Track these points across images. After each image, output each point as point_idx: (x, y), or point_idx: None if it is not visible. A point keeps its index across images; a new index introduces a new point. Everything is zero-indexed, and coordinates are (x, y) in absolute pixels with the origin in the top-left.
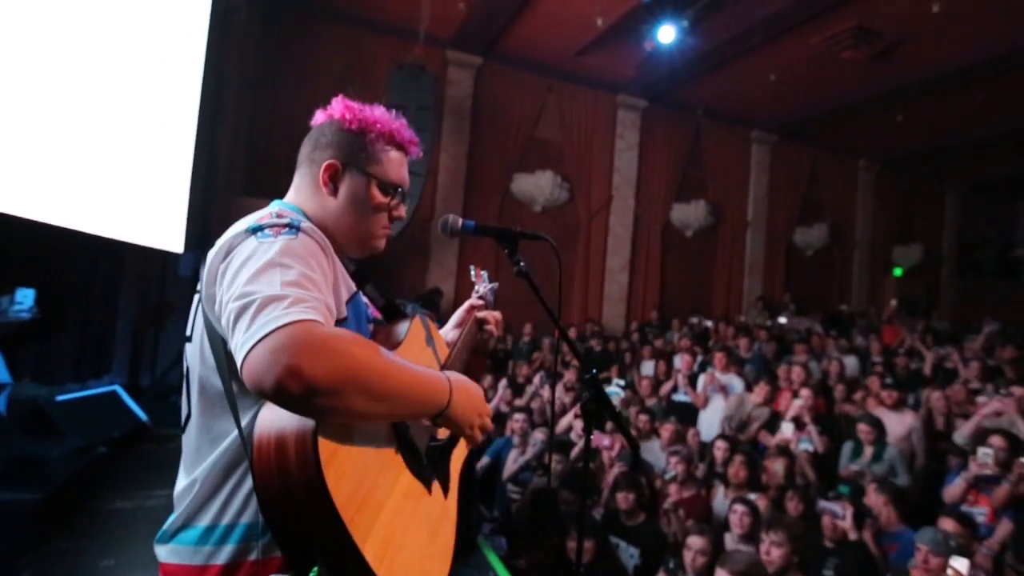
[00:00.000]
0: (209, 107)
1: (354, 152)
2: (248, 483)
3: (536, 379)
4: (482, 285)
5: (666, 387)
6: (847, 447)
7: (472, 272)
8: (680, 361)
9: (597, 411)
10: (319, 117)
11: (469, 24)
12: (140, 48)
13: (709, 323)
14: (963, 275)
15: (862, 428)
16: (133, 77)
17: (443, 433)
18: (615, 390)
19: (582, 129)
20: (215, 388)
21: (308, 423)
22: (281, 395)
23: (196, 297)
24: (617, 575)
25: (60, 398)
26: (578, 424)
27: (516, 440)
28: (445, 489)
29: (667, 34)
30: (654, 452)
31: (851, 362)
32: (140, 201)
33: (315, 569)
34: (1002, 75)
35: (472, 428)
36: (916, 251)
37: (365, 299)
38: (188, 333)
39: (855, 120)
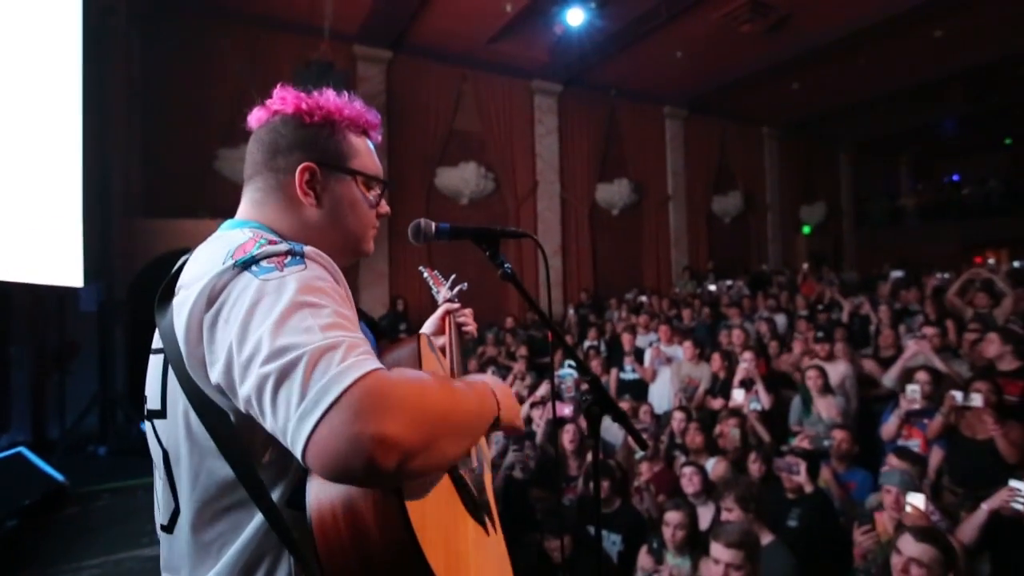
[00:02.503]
0: (93, 121)
1: (328, 149)
2: (281, 571)
3: (487, 373)
4: (444, 289)
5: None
6: (796, 401)
7: (425, 274)
8: (625, 340)
9: (601, 414)
10: (259, 115)
11: (375, 17)
12: (6, 61)
13: (644, 297)
14: (860, 227)
15: (810, 375)
16: (1, 95)
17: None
18: (568, 372)
19: (501, 117)
20: (216, 474)
21: None
22: (373, 473)
23: (158, 360)
24: (600, 565)
25: None
26: (535, 414)
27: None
28: (493, 522)
29: (576, 16)
30: (611, 431)
31: (781, 320)
32: (24, 234)
33: None
34: (880, 40)
35: (515, 426)
36: (820, 209)
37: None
38: (157, 407)
39: (756, 90)
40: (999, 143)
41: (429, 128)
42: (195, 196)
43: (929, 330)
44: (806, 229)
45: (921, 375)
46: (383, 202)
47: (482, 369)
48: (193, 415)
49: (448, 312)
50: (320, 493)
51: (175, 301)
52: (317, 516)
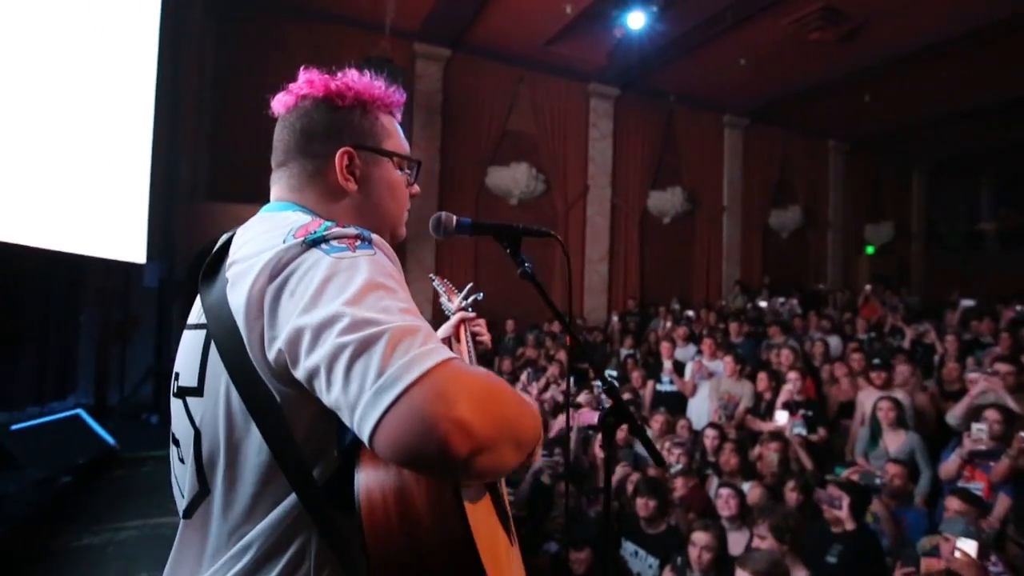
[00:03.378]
0: (165, 110)
1: (363, 131)
2: (307, 562)
3: (523, 376)
4: (457, 299)
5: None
6: (863, 432)
7: (435, 283)
8: (663, 350)
9: (617, 424)
10: (284, 100)
11: (436, 15)
12: (89, 52)
13: (691, 312)
14: (930, 251)
15: (883, 406)
16: (83, 83)
17: None
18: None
19: (555, 119)
20: (255, 458)
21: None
22: (445, 457)
23: (198, 336)
24: None
25: (16, 427)
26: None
27: None
28: (510, 527)
29: (637, 20)
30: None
31: (835, 342)
32: (97, 212)
33: None
34: (962, 54)
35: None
36: (887, 229)
37: None
38: (193, 384)
39: (824, 101)
40: None
41: (483, 127)
42: (257, 183)
43: (1003, 367)
44: (870, 249)
45: (991, 413)
46: (415, 184)
47: (518, 371)
48: (235, 394)
49: (463, 321)
50: (371, 480)
51: (230, 275)
52: (366, 502)
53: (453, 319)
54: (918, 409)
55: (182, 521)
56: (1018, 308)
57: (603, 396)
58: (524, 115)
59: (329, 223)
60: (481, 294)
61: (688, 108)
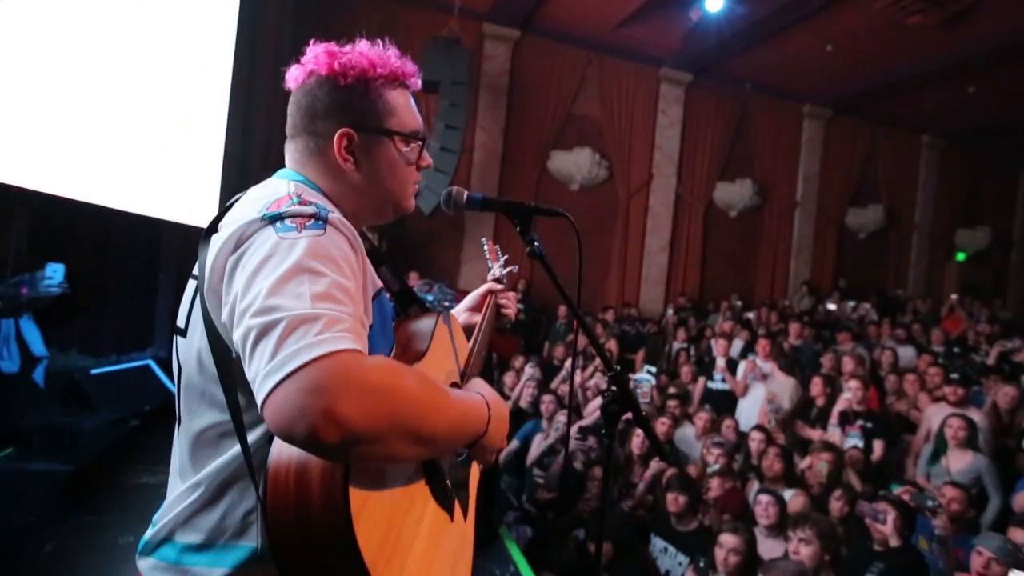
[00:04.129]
0: (242, 86)
1: (363, 111)
2: (246, 503)
3: (567, 362)
4: (497, 266)
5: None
6: (926, 449)
7: (485, 247)
8: (717, 346)
9: (620, 412)
10: (295, 75)
11: None
12: (173, 27)
13: (751, 314)
14: None
15: (952, 423)
16: (166, 57)
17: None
18: (646, 377)
19: (623, 105)
20: (215, 398)
21: None
22: (314, 444)
23: (193, 284)
24: None
25: (95, 371)
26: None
27: (544, 424)
28: (465, 509)
29: (715, 2)
30: (687, 440)
31: (907, 353)
32: (176, 180)
33: None
34: None
35: (494, 454)
36: (983, 235)
37: (386, 292)
38: (182, 325)
39: (920, 93)
40: None
41: (548, 110)
42: None
43: None
44: (961, 256)
45: None
46: (424, 154)
47: (568, 357)
48: (205, 342)
49: (491, 291)
50: (283, 447)
51: (214, 238)
52: (273, 468)
53: (481, 288)
54: (995, 431)
55: (176, 436)
56: None
57: (644, 394)
58: (591, 99)
59: (296, 200)
60: (516, 267)
61: (765, 97)
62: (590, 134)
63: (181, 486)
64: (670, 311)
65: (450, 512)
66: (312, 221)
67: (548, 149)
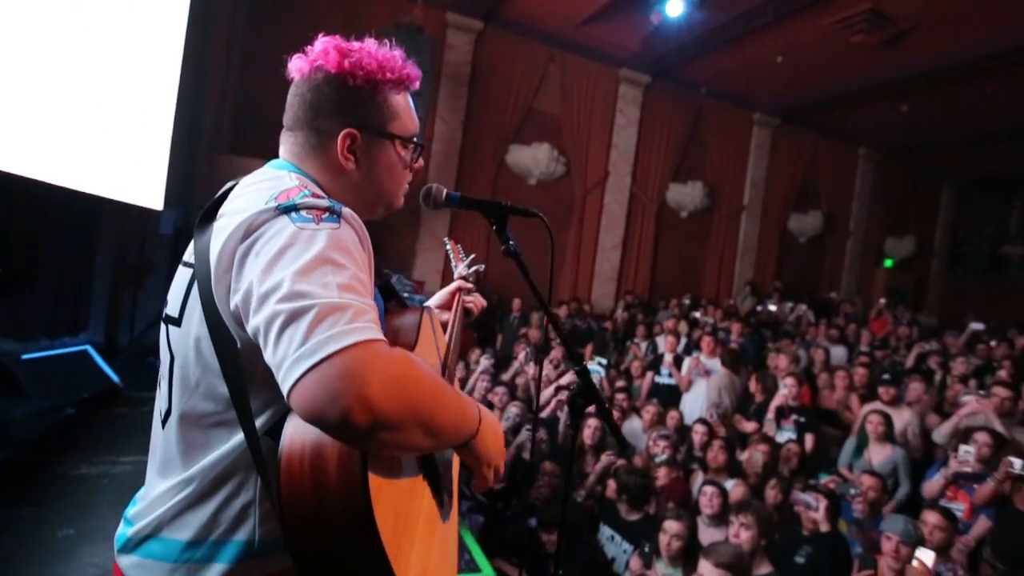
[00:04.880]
0: (193, 60)
1: (368, 113)
2: (244, 496)
3: (521, 355)
4: (463, 266)
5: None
6: (850, 443)
7: (448, 247)
8: (664, 343)
9: (584, 404)
10: (300, 66)
11: None
12: None
13: (698, 314)
14: (952, 269)
15: (872, 419)
16: (112, 27)
17: None
18: (596, 368)
19: (582, 102)
20: (213, 390)
21: None
22: (345, 428)
23: (186, 273)
24: (597, 565)
25: (26, 356)
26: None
27: (496, 415)
28: (451, 501)
29: (675, 7)
30: (634, 432)
31: (839, 352)
32: (118, 156)
33: None
34: (1009, 69)
35: (489, 466)
36: (908, 243)
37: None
38: (175, 315)
39: (859, 107)
40: None
41: (508, 103)
42: (278, 141)
43: (1000, 390)
44: (888, 262)
45: (981, 436)
46: (418, 160)
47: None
48: (205, 333)
49: (459, 289)
50: (295, 432)
51: (216, 225)
52: (287, 454)
53: (450, 287)
54: (925, 427)
55: (157, 428)
56: None
57: (601, 374)
58: (551, 95)
59: (307, 192)
60: (482, 266)
61: (718, 102)
62: (549, 130)
63: (167, 481)
64: (620, 308)
65: (441, 507)
66: (327, 214)
67: (507, 143)
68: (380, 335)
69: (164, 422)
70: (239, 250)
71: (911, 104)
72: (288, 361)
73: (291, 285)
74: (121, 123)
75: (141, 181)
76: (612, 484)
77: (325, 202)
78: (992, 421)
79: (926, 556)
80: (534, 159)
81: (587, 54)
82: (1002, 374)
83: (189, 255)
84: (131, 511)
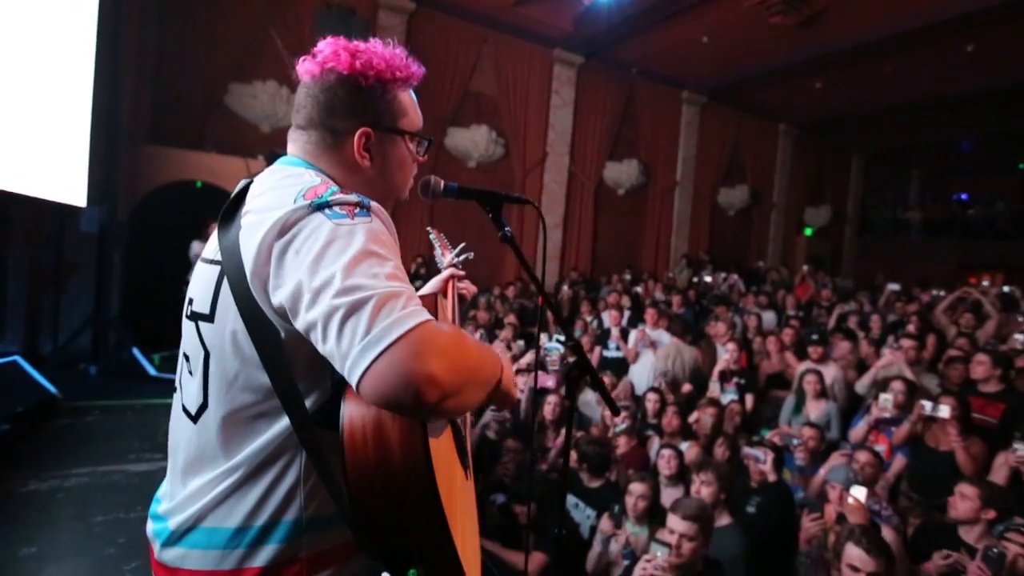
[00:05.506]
0: (107, 44)
1: (380, 111)
2: (289, 478)
3: (475, 336)
4: (449, 254)
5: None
6: (789, 400)
7: (432, 236)
8: (610, 317)
9: (580, 377)
10: (309, 68)
11: None
12: None
13: (639, 288)
14: (862, 235)
15: (809, 379)
16: (18, 12)
17: None
18: (555, 345)
19: (518, 84)
20: (253, 381)
21: None
22: (418, 404)
23: (212, 270)
24: (567, 533)
25: None
26: (519, 380)
27: None
28: (469, 465)
29: None
30: (589, 404)
31: (769, 317)
32: (30, 149)
33: (413, 570)
34: (910, 48)
35: (512, 395)
36: (825, 212)
37: None
38: (205, 311)
39: (779, 85)
40: (1013, 167)
41: (445, 86)
42: (203, 129)
43: (907, 342)
44: (808, 231)
45: (897, 385)
46: (424, 155)
47: (470, 332)
48: (242, 327)
49: (452, 277)
50: (354, 413)
51: (244, 223)
52: (348, 432)
53: (443, 274)
54: (848, 382)
55: (187, 424)
56: (934, 293)
57: (554, 361)
58: (487, 77)
59: (335, 188)
60: (472, 254)
61: (649, 82)
62: (487, 111)
63: (206, 474)
64: (565, 285)
65: (465, 467)
66: (359, 209)
67: (445, 126)
68: (430, 316)
69: (197, 417)
70: (276, 246)
71: (824, 81)
72: (356, 350)
73: (344, 280)
74: (32, 114)
75: (59, 176)
76: (574, 455)
77: (355, 197)
78: (904, 371)
79: (859, 492)
80: (473, 141)
81: (521, 35)
82: (910, 328)
83: (212, 252)
84: (160, 508)
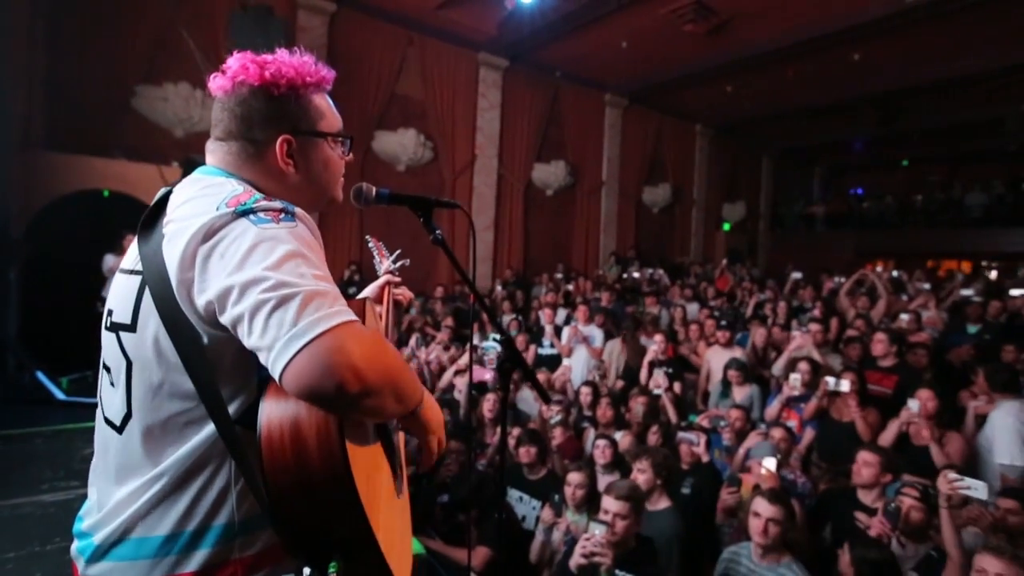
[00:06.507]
0: None
1: (298, 117)
2: (219, 482)
3: (412, 341)
4: (388, 261)
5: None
6: (717, 386)
7: (371, 244)
8: (544, 315)
9: (512, 370)
10: (220, 83)
11: None
12: None
13: (571, 286)
14: (773, 228)
15: (732, 374)
16: None
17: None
18: (492, 344)
19: (445, 87)
20: (178, 387)
21: (328, 415)
22: (339, 396)
23: (132, 280)
24: (510, 526)
25: None
26: (459, 381)
27: None
28: (403, 470)
29: None
30: (527, 401)
31: (693, 308)
32: None
33: (334, 564)
34: (806, 55)
35: (434, 435)
36: (740, 208)
37: None
38: (126, 321)
39: (693, 88)
40: (897, 163)
41: (370, 89)
42: (108, 134)
43: (814, 326)
44: (726, 226)
45: (803, 365)
46: (349, 154)
47: (406, 335)
48: (163, 332)
49: (388, 284)
50: (272, 413)
51: (167, 231)
52: (266, 433)
53: (380, 280)
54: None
55: (111, 434)
56: (836, 279)
57: (491, 360)
58: (413, 80)
59: (258, 196)
60: (408, 261)
61: (573, 84)
62: (414, 114)
63: (130, 484)
64: (499, 286)
65: (395, 475)
66: (284, 214)
67: (372, 129)
68: (355, 317)
69: (122, 428)
70: (200, 252)
71: (734, 85)
72: (280, 342)
73: (272, 276)
74: None
75: None
76: (523, 450)
77: (279, 203)
78: (812, 352)
79: (769, 463)
80: (401, 145)
81: (445, 38)
82: (815, 312)
83: (132, 263)
84: (84, 525)
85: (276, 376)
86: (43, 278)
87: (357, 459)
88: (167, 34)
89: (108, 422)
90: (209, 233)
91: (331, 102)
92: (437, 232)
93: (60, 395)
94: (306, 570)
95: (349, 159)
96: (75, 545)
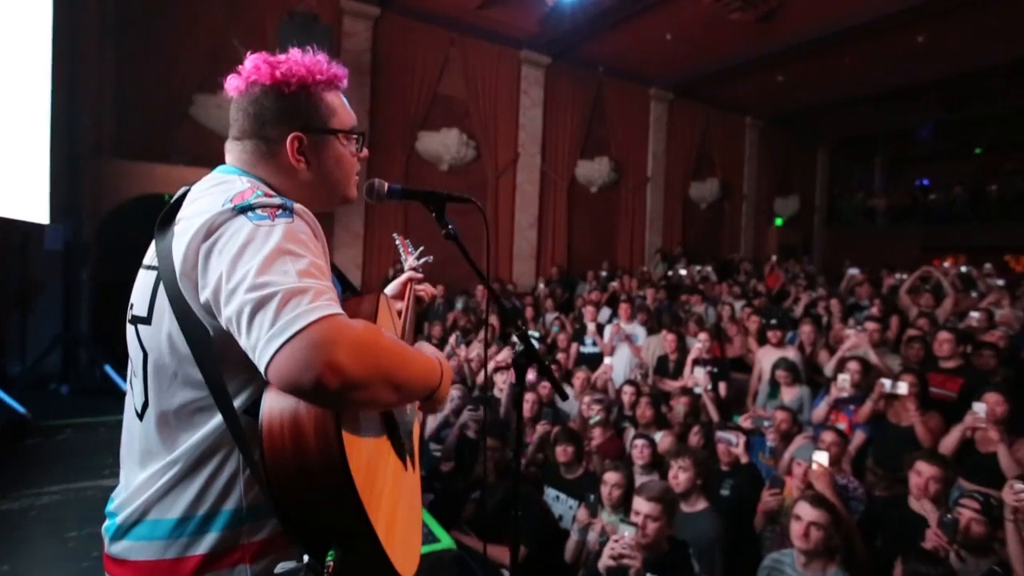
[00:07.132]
0: (65, 58)
1: (308, 115)
2: (228, 469)
3: (451, 339)
4: (412, 258)
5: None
6: (764, 386)
7: (397, 241)
8: (587, 313)
9: (528, 364)
10: (235, 83)
11: None
12: None
13: (615, 283)
14: (830, 223)
15: (781, 374)
16: None
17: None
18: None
19: (487, 86)
20: (190, 378)
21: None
22: (318, 391)
23: (150, 275)
24: (545, 525)
25: None
26: (498, 378)
27: None
28: (414, 463)
29: None
30: (568, 401)
31: (740, 306)
32: None
33: (332, 552)
34: (865, 40)
35: (444, 403)
36: (794, 202)
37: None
38: (143, 314)
39: (742, 80)
40: (969, 152)
41: (413, 90)
42: (169, 141)
43: (870, 325)
44: (779, 221)
45: (852, 365)
46: (363, 149)
47: (447, 335)
48: (176, 326)
49: (410, 280)
50: (273, 404)
51: (176, 228)
52: (267, 423)
53: (401, 277)
54: (816, 363)
55: (135, 421)
56: (897, 276)
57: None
58: (455, 80)
59: (260, 192)
60: (431, 257)
61: (616, 80)
62: (457, 114)
63: (149, 468)
64: (542, 284)
65: (403, 461)
66: (281, 210)
67: (416, 130)
68: (340, 310)
69: (142, 415)
70: (202, 249)
71: (785, 74)
72: (262, 342)
73: (255, 277)
74: None
75: (19, 193)
76: (560, 449)
77: (277, 200)
78: (868, 352)
79: (821, 457)
80: (444, 145)
81: (487, 37)
82: (873, 311)
83: (150, 259)
84: (112, 506)
85: (263, 374)
86: (112, 277)
87: (356, 449)
88: (220, 45)
89: (133, 409)
90: (210, 230)
91: (345, 100)
92: (450, 227)
93: (126, 387)
94: (305, 558)
95: (364, 156)
96: (105, 524)
